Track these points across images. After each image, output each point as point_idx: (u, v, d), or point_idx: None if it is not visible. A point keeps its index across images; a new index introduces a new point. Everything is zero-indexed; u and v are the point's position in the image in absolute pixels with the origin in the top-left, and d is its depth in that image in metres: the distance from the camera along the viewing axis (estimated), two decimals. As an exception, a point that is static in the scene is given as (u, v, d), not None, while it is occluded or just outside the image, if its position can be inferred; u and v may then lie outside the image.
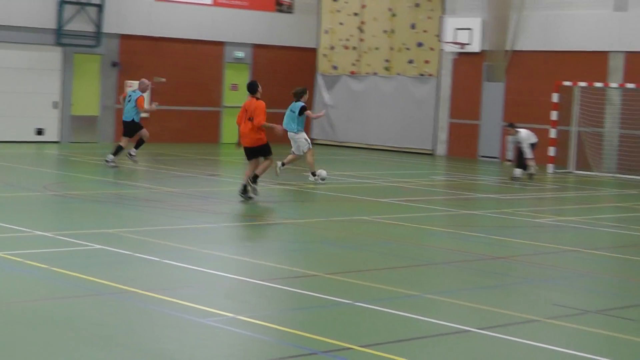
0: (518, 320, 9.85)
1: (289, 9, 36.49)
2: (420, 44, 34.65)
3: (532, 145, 25.50)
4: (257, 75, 35.39)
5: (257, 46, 35.67)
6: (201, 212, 17.16)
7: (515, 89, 31.98)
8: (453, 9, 33.46)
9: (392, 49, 35.47)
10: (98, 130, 32.56)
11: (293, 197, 19.75)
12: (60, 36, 31.34)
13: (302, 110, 22.46)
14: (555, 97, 28.91)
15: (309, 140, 22.58)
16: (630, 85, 28.45)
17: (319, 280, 11.57)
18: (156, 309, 9.63)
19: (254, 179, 18.65)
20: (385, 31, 35.63)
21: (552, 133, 28.87)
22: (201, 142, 34.07)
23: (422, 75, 34.61)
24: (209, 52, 34.63)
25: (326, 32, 37.23)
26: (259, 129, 18.59)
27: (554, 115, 28.87)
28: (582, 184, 26.13)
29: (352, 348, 8.45)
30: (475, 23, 32.62)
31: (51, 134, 31.74)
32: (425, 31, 34.50)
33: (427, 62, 34.50)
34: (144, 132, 24.90)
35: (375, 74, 35.87)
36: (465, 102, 33.26)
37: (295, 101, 22.66)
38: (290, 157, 22.57)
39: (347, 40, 36.68)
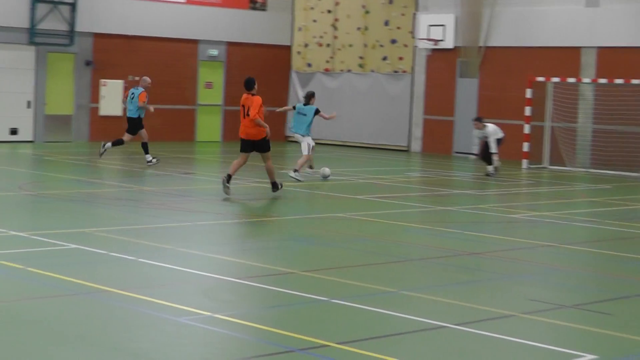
0: (494, 316, 9.89)
1: (262, 7, 36.46)
2: (394, 41, 34.70)
3: (499, 141, 25.55)
4: (232, 73, 35.39)
5: (231, 44, 35.62)
6: (177, 210, 17.13)
7: (488, 85, 32.08)
8: (426, 6, 33.53)
9: (365, 46, 35.51)
10: (72, 129, 32.42)
11: (268, 195, 19.73)
12: (33, 35, 31.19)
13: (316, 112, 22.95)
14: (528, 93, 29.03)
15: (312, 144, 22.91)
16: (602, 81, 28.59)
17: (296, 277, 11.58)
18: (132, 308, 9.61)
19: (274, 186, 19.37)
20: (358, 28, 35.67)
21: (526, 129, 28.99)
22: (176, 140, 33.99)
23: (396, 72, 34.67)
24: (183, 50, 34.55)
25: (300, 29, 37.23)
26: (255, 123, 19.06)
27: (527, 110, 29.00)
28: (556, 179, 26.25)
29: (329, 345, 8.46)
30: (448, 19, 32.70)
31: (25, 134, 31.59)
32: (398, 28, 34.56)
33: (401, 58, 34.56)
34: (143, 132, 24.96)
35: (349, 71, 35.90)
36: (439, 98, 33.34)
37: (304, 104, 23.19)
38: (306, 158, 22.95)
39: (321, 37, 36.70)
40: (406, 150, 34.09)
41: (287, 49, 37.37)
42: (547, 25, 30.77)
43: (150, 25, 33.66)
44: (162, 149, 30.49)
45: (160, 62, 33.91)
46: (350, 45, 35.88)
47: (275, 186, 19.47)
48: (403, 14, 34.37)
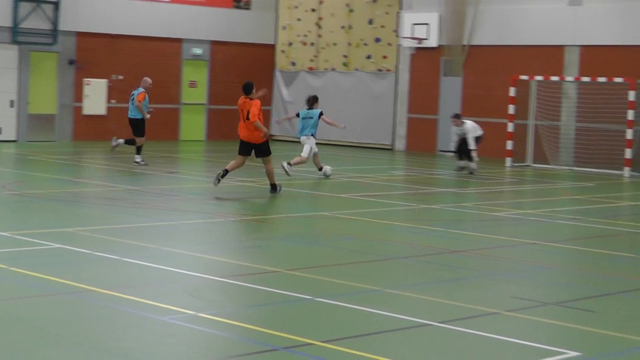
0: (478, 313, 9.92)
1: (246, 6, 36.45)
2: (378, 40, 34.74)
3: (478, 138, 25.54)
4: (216, 72, 35.39)
5: (215, 43, 35.60)
6: (161, 209, 17.12)
7: (472, 83, 32.15)
8: (410, 4, 33.57)
9: (350, 44, 35.53)
10: (56, 128, 32.34)
11: (253, 194, 19.74)
12: (16, 34, 31.10)
13: (320, 115, 23.39)
14: (512, 91, 29.11)
15: (315, 150, 23.24)
16: (585, 79, 28.69)
17: (280, 276, 11.59)
18: (116, 307, 9.61)
19: (273, 188, 19.45)
20: (343, 27, 35.69)
21: (510, 127, 29.07)
22: (160, 139, 33.93)
23: (380, 70, 34.70)
24: (166, 49, 34.51)
25: (284, 28, 37.22)
26: (255, 126, 19.19)
27: (511, 109, 29.07)
28: (539, 177, 26.33)
29: (313, 343, 8.47)
30: (432, 18, 32.75)
31: (8, 133, 31.49)
32: (382, 26, 34.59)
33: (385, 57, 34.60)
34: (142, 139, 24.90)
35: (333, 69, 35.92)
36: (423, 97, 33.39)
37: (308, 109, 23.55)
38: (315, 160, 23.35)
39: (305, 36, 36.70)
40: (390, 149, 34.12)
41: (271, 47, 37.36)
42: (530, 24, 30.85)
43: (134, 24, 33.61)
44: (146, 147, 30.39)
45: (144, 61, 33.86)
46: (335, 44, 35.90)
47: (274, 188, 19.53)
48: (387, 13, 34.41)
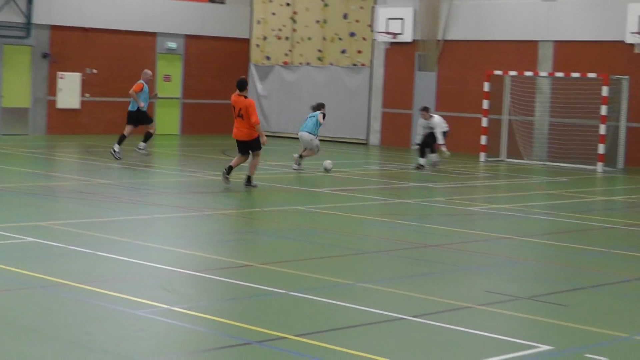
0: (451, 307, 9.95)
1: (221, 0, 36.38)
2: (352, 34, 34.75)
3: (444, 134, 25.50)
4: (190, 66, 35.30)
5: (189, 37, 35.50)
6: (135, 203, 17.07)
7: (447, 78, 32.22)
8: (385, -1, 33.62)
9: (324, 39, 35.53)
10: (29, 122, 32.17)
11: (226, 187, 19.70)
12: (-11, 27, 30.94)
13: (320, 115, 24.13)
14: (486, 86, 29.19)
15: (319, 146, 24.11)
16: (559, 74, 28.81)
17: (253, 270, 11.59)
18: (89, 301, 9.58)
19: (248, 180, 19.45)
20: (317, 21, 35.67)
21: (484, 122, 29.15)
22: (134, 133, 33.73)
23: (354, 65, 34.72)
24: (141, 43, 34.39)
25: (258, 22, 37.17)
26: (256, 129, 19.35)
27: (485, 104, 29.16)
28: (513, 172, 26.43)
29: (286, 337, 8.48)
30: (406, 13, 32.79)
31: (-19, 127, 31.33)
32: (357, 21, 34.61)
33: (359, 52, 34.62)
34: (129, 128, 25.02)
35: (308, 64, 35.90)
36: (398, 91, 33.43)
37: (313, 112, 24.26)
38: (307, 152, 24.02)
39: (280, 30, 36.67)
40: (365, 144, 34.15)
41: (246, 42, 37.30)
42: (504, 19, 30.95)
43: (108, 17, 33.47)
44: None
45: (117, 55, 33.73)
46: (309, 39, 35.89)
47: (249, 181, 19.48)
48: (362, 7, 34.42)
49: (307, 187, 20.40)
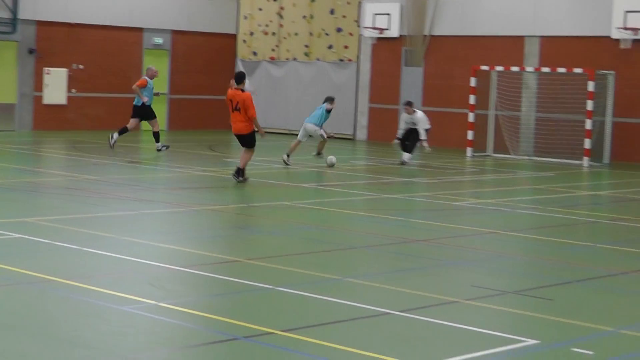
0: (438, 302, 9.97)
1: (207, -5, 36.34)
2: (339, 30, 34.75)
3: (426, 131, 25.39)
4: (177, 62, 35.24)
5: (176, 32, 35.45)
6: (122, 199, 17.05)
7: (433, 73, 32.25)
8: (372, -6, 33.61)
9: (311, 34, 35.52)
10: (15, 118, 32.08)
11: (214, 183, 19.69)
12: (-26, 23, 30.84)
13: (327, 109, 24.78)
14: (472, 82, 29.22)
15: (325, 135, 24.53)
16: (545, 69, 28.86)
17: (241, 266, 11.59)
18: (76, 297, 9.56)
19: (238, 173, 19.53)
20: (304, 17, 35.66)
21: (470, 117, 29.18)
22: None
23: (341, 60, 34.72)
24: (127, 38, 34.33)
25: (245, 17, 37.13)
26: (255, 124, 19.66)
27: (471, 99, 29.19)
28: (499, 166, 26.47)
29: (274, 333, 8.48)
30: (393, 8, 32.81)
31: (-33, 123, 31.24)
32: (344, 16, 34.61)
33: (346, 47, 34.62)
34: (133, 122, 25.46)
35: (294, 59, 35.89)
36: (384, 87, 33.45)
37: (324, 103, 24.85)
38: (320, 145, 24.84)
39: (267, 26, 36.64)
40: (352, 139, 34.16)
41: (233, 37, 37.27)
42: (491, 15, 30.99)
43: (94, 12, 33.39)
44: (106, 137, 30.27)
45: (104, 51, 33.66)
46: (296, 34, 35.88)
47: (239, 173, 19.46)
48: (349, 3, 34.42)
49: (294, 182, 20.40)
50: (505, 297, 10.45)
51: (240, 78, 19.56)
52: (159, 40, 34.92)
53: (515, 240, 14.41)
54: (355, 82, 34.21)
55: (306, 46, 35.62)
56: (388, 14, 32.80)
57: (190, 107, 35.83)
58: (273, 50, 36.50)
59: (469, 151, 28.92)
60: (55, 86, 32.57)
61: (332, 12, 34.88)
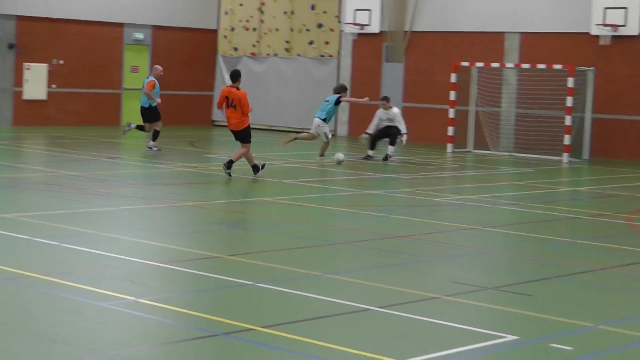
0: (418, 298, 9.99)
1: (188, -10, 36.25)
2: (320, 25, 34.74)
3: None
4: (158, 57, 35.12)
5: (156, 27, 35.36)
6: (102, 195, 17.00)
7: (414, 69, 32.28)
8: (352, -10, 33.61)
9: (292, 30, 35.50)
10: (-6, 113, 31.98)
11: (195, 179, 19.67)
12: (-47, 18, 30.68)
13: (338, 100, 24.30)
14: (453, 78, 29.27)
15: (329, 135, 24.37)
16: (525, 66, 28.94)
17: (221, 262, 11.58)
18: (55, 293, 9.54)
19: (229, 164, 19.84)
20: (285, 12, 35.64)
21: (451, 113, 29.24)
22: (101, 124, 33.68)
23: (322, 56, 34.72)
24: (108, 33, 34.22)
25: (226, 13, 37.08)
26: (245, 114, 20.13)
27: (452, 95, 29.24)
28: (480, 162, 26.54)
29: (254, 329, 8.49)
30: (374, 4, 32.81)
31: (-54, 118, 31.07)
32: (325, 12, 34.61)
33: (327, 43, 34.62)
34: (159, 123, 25.15)
35: (275, 55, 35.87)
36: (365, 82, 33.45)
37: (334, 94, 24.53)
38: (306, 135, 24.83)
39: (247, 21, 36.59)
40: (333, 135, 34.13)
41: (214, 32, 37.21)
42: (471, 10, 31.04)
43: (75, 8, 33.27)
44: (88, 133, 30.22)
45: (84, 46, 33.56)
46: (277, 30, 35.85)
47: (228, 166, 19.83)
48: (329, -2, 34.42)
49: (274, 178, 20.39)
50: (485, 293, 10.49)
51: (235, 76, 20.14)
52: (139, 35, 34.84)
53: (495, 236, 14.46)
54: (336, 77, 34.19)
55: (287, 42, 35.61)
56: (369, 10, 32.82)
57: (171, 103, 35.71)
58: (254, 45, 36.47)
59: (449, 147, 28.97)
60: (36, 81, 32.45)
61: (312, 7, 34.88)
